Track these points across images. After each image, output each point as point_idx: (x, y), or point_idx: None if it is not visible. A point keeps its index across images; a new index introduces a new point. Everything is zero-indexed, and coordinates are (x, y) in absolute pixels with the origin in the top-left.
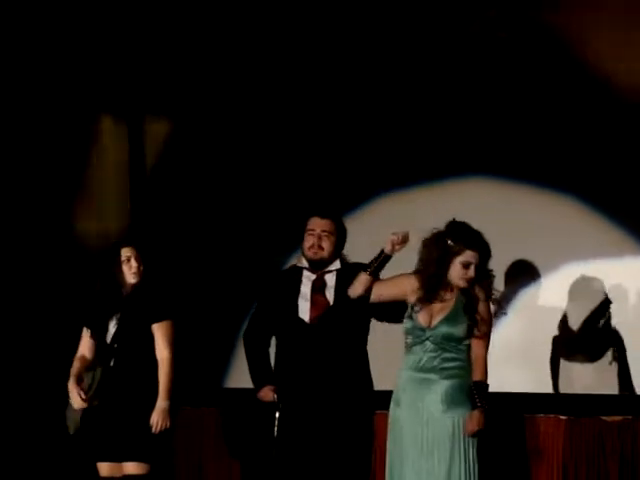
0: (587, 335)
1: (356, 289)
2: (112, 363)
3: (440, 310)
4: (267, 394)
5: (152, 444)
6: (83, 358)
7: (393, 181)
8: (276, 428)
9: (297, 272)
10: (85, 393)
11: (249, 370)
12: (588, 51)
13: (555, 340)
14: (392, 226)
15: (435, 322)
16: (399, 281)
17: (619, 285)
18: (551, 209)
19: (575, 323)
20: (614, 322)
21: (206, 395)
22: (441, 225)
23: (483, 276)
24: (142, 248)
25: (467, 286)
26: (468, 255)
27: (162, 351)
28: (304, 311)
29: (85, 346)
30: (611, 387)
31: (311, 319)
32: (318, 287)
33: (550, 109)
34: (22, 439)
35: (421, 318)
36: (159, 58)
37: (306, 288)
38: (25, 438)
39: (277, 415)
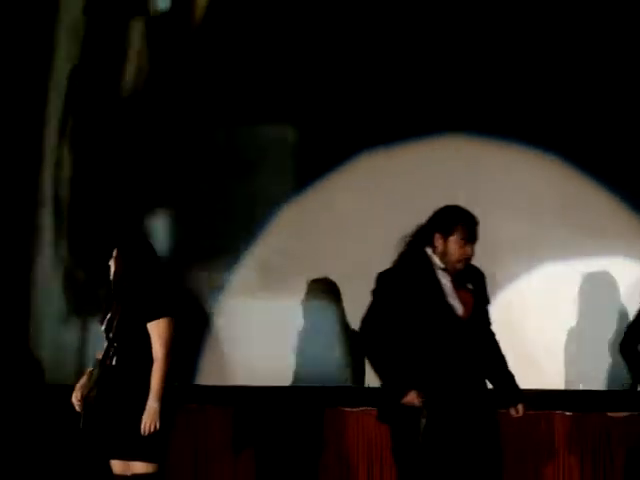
0: (592, 329)
1: None
2: (112, 361)
3: None
4: (414, 399)
5: (153, 443)
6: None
7: (376, 138)
8: (422, 435)
9: (429, 270)
10: (82, 394)
11: (382, 376)
12: None
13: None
14: (375, 183)
15: None
16: None
17: (621, 269)
18: (536, 167)
19: (581, 317)
20: (620, 315)
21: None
22: (424, 182)
23: None
24: (122, 246)
25: None
26: None
27: (156, 350)
28: (458, 308)
29: None
30: (618, 383)
31: (464, 316)
32: (458, 285)
33: (535, 61)
34: (31, 435)
35: None
36: None
37: (447, 288)
38: (34, 433)
39: (424, 421)
